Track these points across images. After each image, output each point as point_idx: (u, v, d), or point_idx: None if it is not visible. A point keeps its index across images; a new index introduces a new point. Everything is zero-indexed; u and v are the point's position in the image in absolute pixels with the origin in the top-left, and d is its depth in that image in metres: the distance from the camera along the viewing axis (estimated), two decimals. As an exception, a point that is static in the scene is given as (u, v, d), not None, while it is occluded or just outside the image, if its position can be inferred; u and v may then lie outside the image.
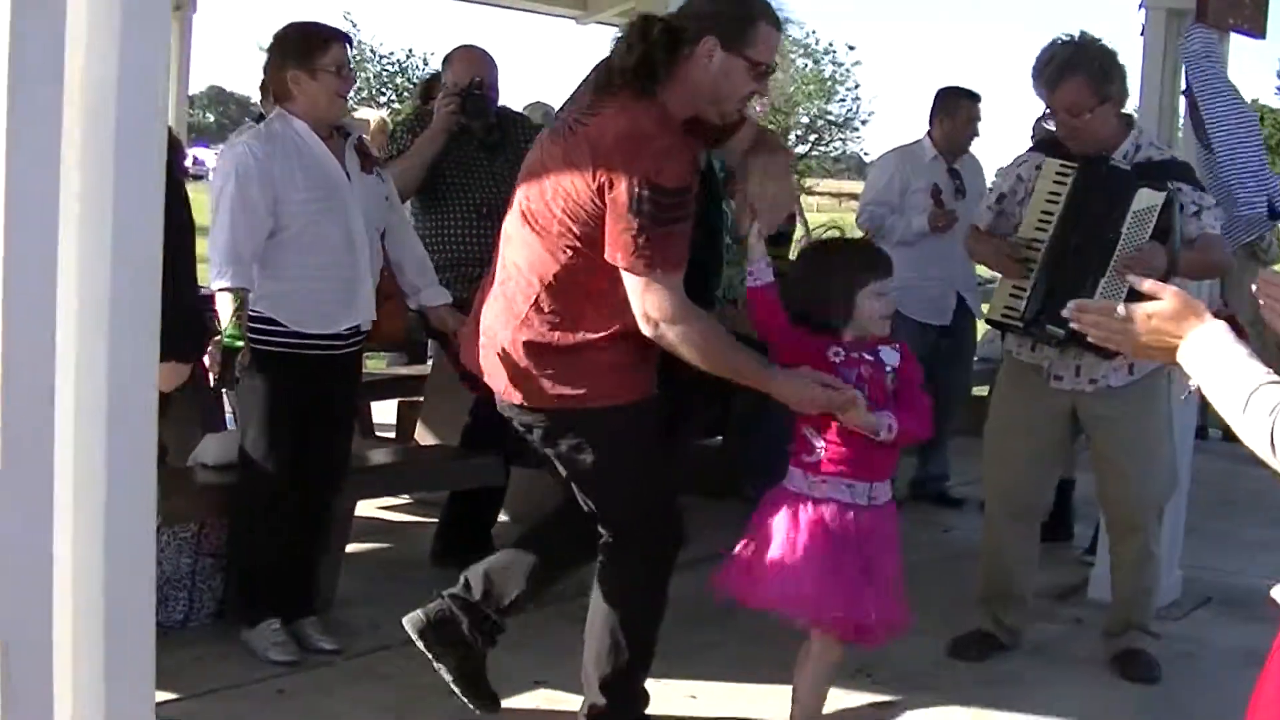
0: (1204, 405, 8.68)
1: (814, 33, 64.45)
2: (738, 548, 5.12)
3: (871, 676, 5.94)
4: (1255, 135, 7.48)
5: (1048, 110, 6.26)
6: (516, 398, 4.90)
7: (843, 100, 66.43)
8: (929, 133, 9.45)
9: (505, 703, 5.51)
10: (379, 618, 6.30)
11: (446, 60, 7.63)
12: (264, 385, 5.78)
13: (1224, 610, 7.36)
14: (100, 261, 2.80)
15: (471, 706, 5.25)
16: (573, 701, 5.38)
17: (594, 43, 66.24)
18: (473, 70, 7.38)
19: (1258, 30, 7.73)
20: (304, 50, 5.82)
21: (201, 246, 5.57)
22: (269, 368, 5.72)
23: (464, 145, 7.32)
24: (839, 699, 5.41)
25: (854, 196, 64.13)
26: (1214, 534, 8.46)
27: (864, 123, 70.99)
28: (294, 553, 6.00)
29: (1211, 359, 2.73)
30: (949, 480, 9.54)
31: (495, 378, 4.94)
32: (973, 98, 9.51)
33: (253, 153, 5.74)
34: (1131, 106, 6.74)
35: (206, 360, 5.52)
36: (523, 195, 4.91)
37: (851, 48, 76.85)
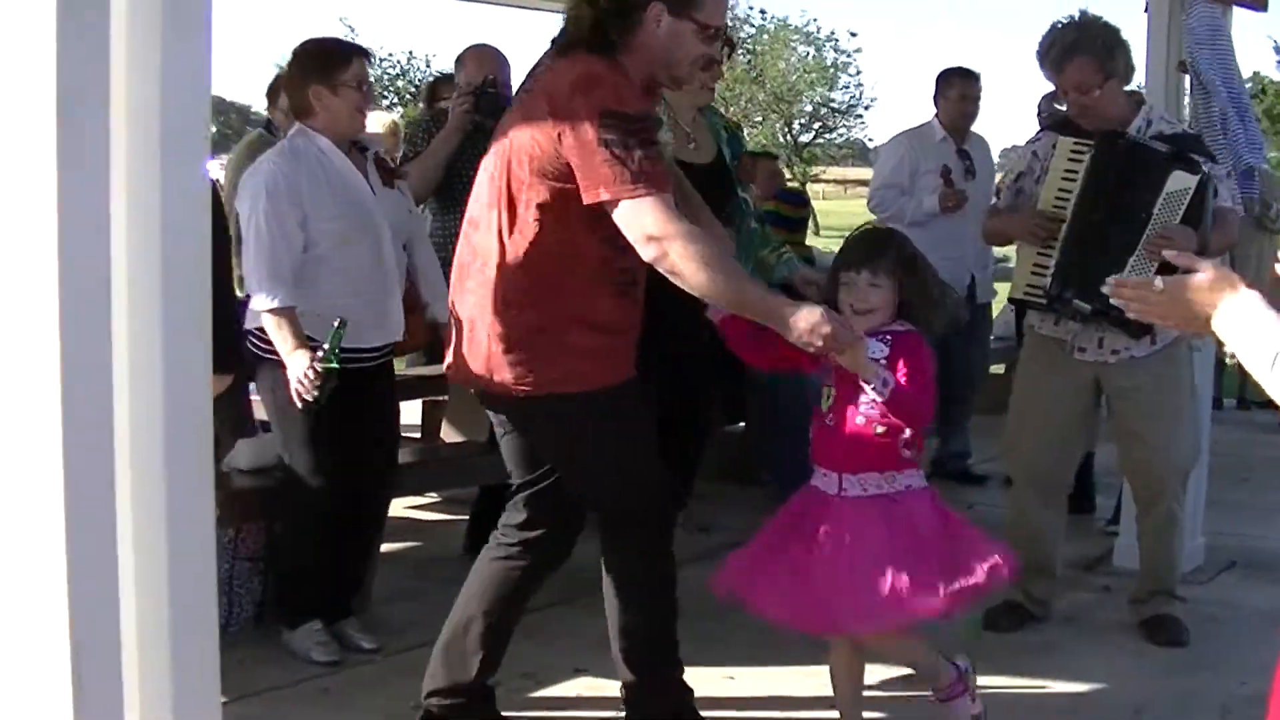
0: (1219, 375, 8.75)
1: (815, 20, 64.28)
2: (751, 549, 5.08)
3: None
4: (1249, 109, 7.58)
5: (1057, 91, 6.35)
6: (498, 388, 4.84)
7: (845, 87, 66.25)
8: (936, 115, 9.54)
9: (546, 691, 5.64)
10: (416, 615, 6.40)
11: (459, 60, 7.68)
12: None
13: (1248, 574, 7.47)
14: (151, 274, 2.90)
15: None
16: (613, 688, 5.46)
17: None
18: (485, 68, 7.44)
19: (1259, 3, 7.81)
20: (326, 66, 5.85)
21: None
22: None
23: (479, 143, 7.22)
24: (873, 673, 5.47)
25: (859, 183, 64.23)
26: (1233, 501, 8.55)
27: (867, 108, 70.92)
28: (337, 556, 6.08)
29: (1244, 324, 2.81)
30: (970, 458, 9.62)
31: (477, 368, 4.86)
32: (966, 76, 9.59)
33: (281, 170, 5.76)
34: (1137, 82, 6.83)
35: (304, 382, 5.57)
36: (488, 175, 4.86)
37: (854, 34, 76.37)
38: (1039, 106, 9.63)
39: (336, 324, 5.52)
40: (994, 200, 6.75)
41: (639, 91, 4.69)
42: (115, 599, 2.89)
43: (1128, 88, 6.35)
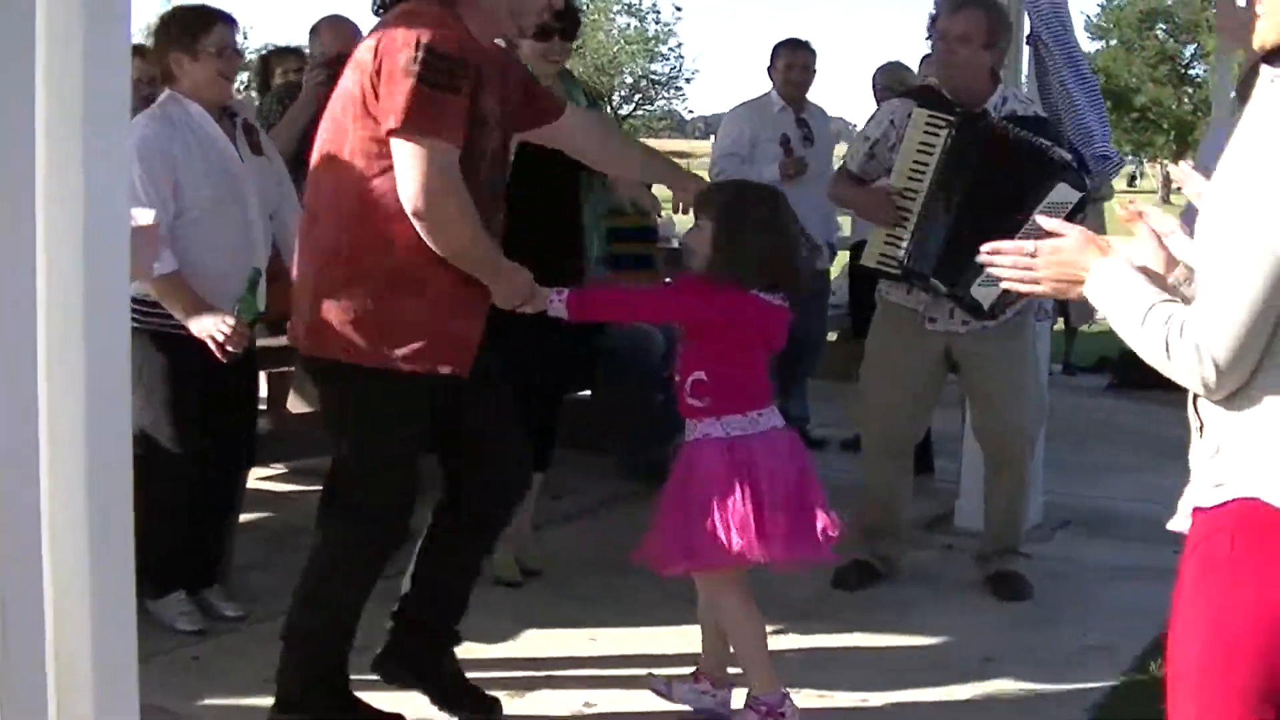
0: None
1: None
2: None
3: (761, 607, 6.17)
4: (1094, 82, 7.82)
5: (935, 36, 6.53)
6: (305, 343, 4.80)
7: (666, 59, 66.63)
8: (774, 86, 9.73)
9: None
10: (274, 584, 6.43)
11: (314, 31, 7.70)
12: (165, 365, 5.77)
13: (1083, 531, 7.77)
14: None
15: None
16: (481, 650, 5.60)
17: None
18: (340, 40, 7.42)
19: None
20: (185, 32, 5.82)
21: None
22: (169, 348, 5.73)
23: None
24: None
25: (677, 154, 64.45)
26: (1067, 462, 8.83)
27: (688, 80, 71.23)
28: (199, 526, 6.09)
29: (1114, 286, 2.92)
30: (809, 422, 9.80)
31: (298, 321, 4.83)
32: (797, 46, 9.77)
33: (153, 134, 5.72)
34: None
35: (225, 332, 5.58)
36: (324, 128, 4.78)
37: (678, 7, 76.71)
38: (873, 79, 9.85)
39: (252, 270, 5.61)
40: (843, 162, 6.89)
41: (464, 38, 4.59)
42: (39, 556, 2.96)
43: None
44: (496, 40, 5.00)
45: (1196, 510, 2.80)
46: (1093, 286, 2.98)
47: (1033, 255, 3.14)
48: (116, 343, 3.00)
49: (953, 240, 6.17)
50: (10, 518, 2.88)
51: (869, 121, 6.87)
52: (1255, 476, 2.69)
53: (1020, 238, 5.84)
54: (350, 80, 4.64)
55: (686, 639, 5.50)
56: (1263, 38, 2.81)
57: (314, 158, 4.81)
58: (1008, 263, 3.21)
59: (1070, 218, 5.99)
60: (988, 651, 5.92)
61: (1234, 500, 2.72)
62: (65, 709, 3.03)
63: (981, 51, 6.37)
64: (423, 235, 4.51)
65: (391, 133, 4.48)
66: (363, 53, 4.61)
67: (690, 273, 4.99)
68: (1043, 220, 3.27)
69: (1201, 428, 2.83)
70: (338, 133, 4.67)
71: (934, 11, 6.52)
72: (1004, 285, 3.30)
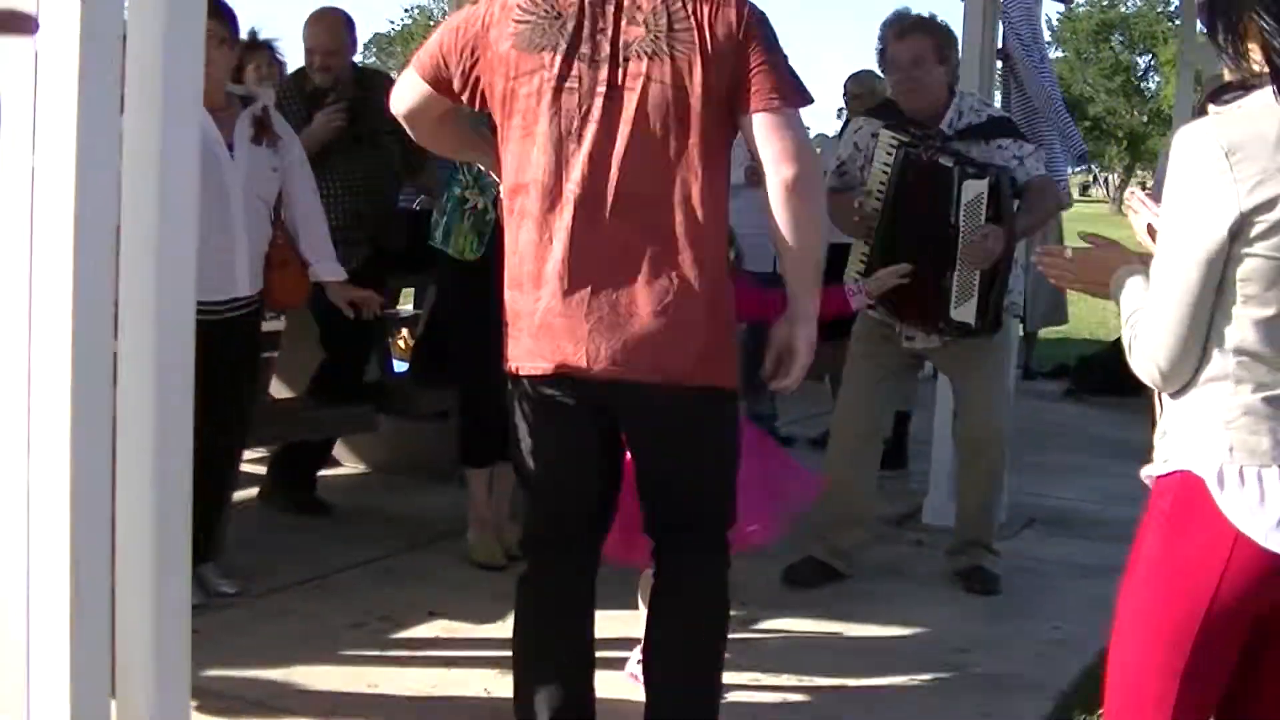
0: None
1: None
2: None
3: (736, 597, 6.29)
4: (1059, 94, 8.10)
5: (887, 63, 6.74)
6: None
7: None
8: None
9: (404, 633, 5.92)
10: (266, 562, 6.66)
11: (307, 22, 7.74)
12: None
13: (1046, 529, 8.01)
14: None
15: None
16: (466, 629, 5.80)
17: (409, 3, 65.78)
18: (332, 32, 7.59)
19: (1066, -5, 8.31)
20: None
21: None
22: None
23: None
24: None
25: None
26: (1029, 464, 9.03)
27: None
28: (195, 503, 6.21)
29: (1124, 290, 3.28)
30: (777, 419, 10.01)
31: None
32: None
33: None
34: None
35: None
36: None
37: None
38: (844, 87, 10.05)
39: None
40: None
41: None
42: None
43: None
44: None
45: (1154, 480, 3.18)
46: (1113, 289, 3.33)
47: (1070, 260, 3.53)
48: (185, 339, 3.18)
49: (914, 282, 6.24)
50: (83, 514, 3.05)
51: (840, 141, 7.10)
52: (1188, 452, 3.07)
53: (961, 249, 6.16)
54: None
55: (622, 623, 5.61)
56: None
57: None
58: (1051, 262, 3.58)
59: (994, 204, 6.31)
60: (959, 643, 6.11)
61: (1174, 472, 3.10)
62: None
63: (936, 68, 6.57)
64: None
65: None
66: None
67: None
68: (1082, 238, 3.59)
69: (1161, 413, 3.20)
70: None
71: (880, 45, 6.74)
72: (1053, 279, 3.59)
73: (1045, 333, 13.64)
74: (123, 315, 3.14)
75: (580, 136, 4.04)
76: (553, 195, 4.06)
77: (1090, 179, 73.23)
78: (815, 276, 4.19)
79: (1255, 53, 3.02)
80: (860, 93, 9.70)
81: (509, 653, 4.53)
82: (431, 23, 60.89)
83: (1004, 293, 6.54)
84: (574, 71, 4.04)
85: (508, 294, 4.21)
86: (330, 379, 7.76)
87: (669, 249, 4.03)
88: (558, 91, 4.05)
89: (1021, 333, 12.42)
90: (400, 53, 65.84)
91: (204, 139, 5.91)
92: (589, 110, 4.03)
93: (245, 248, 6.16)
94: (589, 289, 4.03)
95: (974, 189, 6.31)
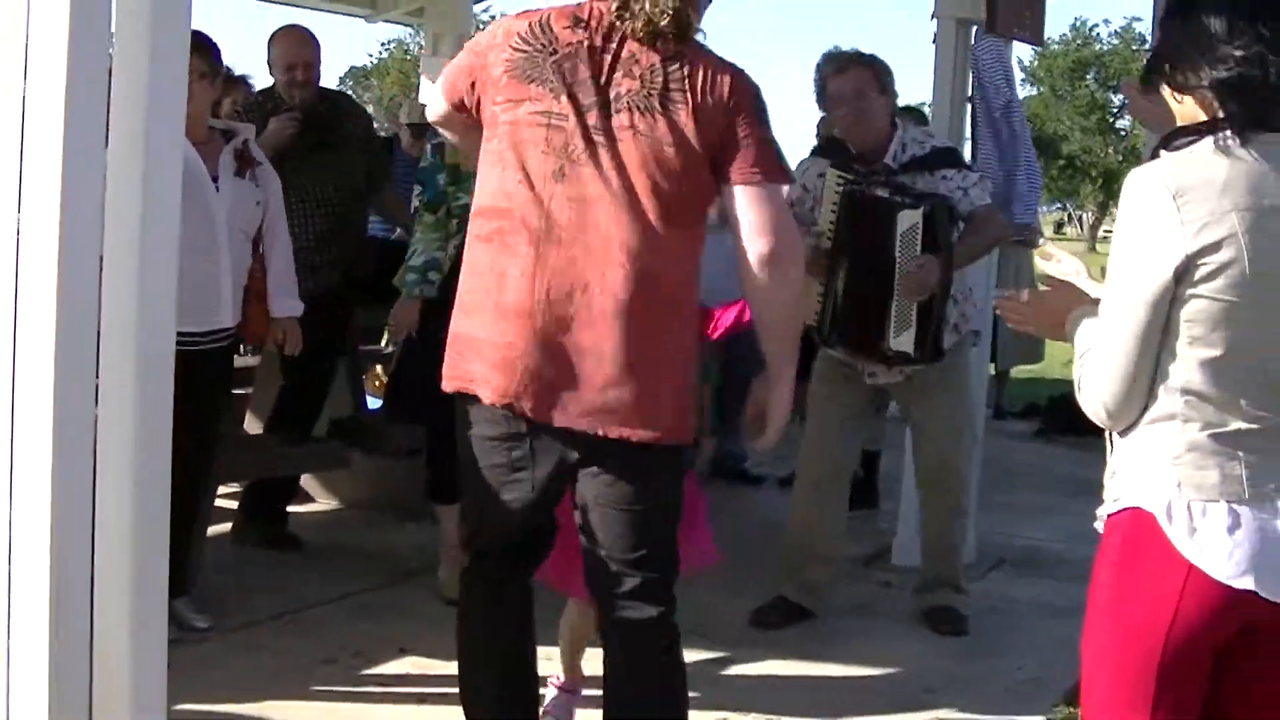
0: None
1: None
2: None
3: (706, 636, 6.38)
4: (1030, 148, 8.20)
5: (827, 100, 6.78)
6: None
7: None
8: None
9: (376, 669, 5.95)
10: (238, 596, 6.70)
11: (270, 40, 7.76)
12: None
13: (1015, 570, 8.05)
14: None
15: None
16: (438, 666, 5.82)
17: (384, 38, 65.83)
18: (299, 49, 7.64)
19: (1037, 39, 8.41)
20: None
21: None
22: None
23: (304, 141, 7.52)
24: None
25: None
26: (999, 503, 9.09)
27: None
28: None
29: (1079, 331, 3.36)
30: (747, 460, 10.04)
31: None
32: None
33: None
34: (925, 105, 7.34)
35: None
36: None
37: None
38: (817, 128, 10.11)
39: None
40: None
41: None
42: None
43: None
44: None
45: (1106, 520, 3.27)
46: (1070, 329, 3.41)
47: (1026, 304, 3.62)
48: (164, 354, 3.23)
49: (851, 309, 6.48)
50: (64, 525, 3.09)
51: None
52: (1137, 489, 3.16)
53: (898, 280, 6.21)
54: None
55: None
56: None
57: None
58: (1009, 307, 3.66)
59: (931, 233, 6.37)
60: (927, 682, 6.16)
61: (1124, 510, 3.19)
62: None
63: (878, 99, 6.61)
64: None
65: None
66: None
67: None
68: (1048, 266, 3.67)
69: (1111, 452, 3.29)
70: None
71: (818, 83, 6.78)
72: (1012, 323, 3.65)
73: (1016, 372, 13.71)
74: (104, 347, 3.18)
75: (563, 177, 4.06)
76: (529, 232, 4.07)
77: (1065, 217, 73.56)
78: (792, 347, 4.28)
79: (1203, 102, 3.13)
80: (819, 142, 9.76)
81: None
82: (407, 56, 60.86)
83: (942, 321, 6.56)
84: (562, 110, 4.07)
85: (465, 318, 4.23)
86: (289, 408, 7.81)
87: (640, 303, 4.05)
88: (544, 127, 4.08)
89: (993, 371, 12.51)
90: (376, 85, 65.78)
91: (190, 170, 5.93)
92: (575, 153, 4.06)
93: (230, 279, 6.21)
94: (556, 334, 4.06)
95: (909, 219, 6.36)
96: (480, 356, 4.17)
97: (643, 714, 4.38)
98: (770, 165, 4.12)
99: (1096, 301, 3.35)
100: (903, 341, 6.48)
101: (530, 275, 4.07)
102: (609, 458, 4.16)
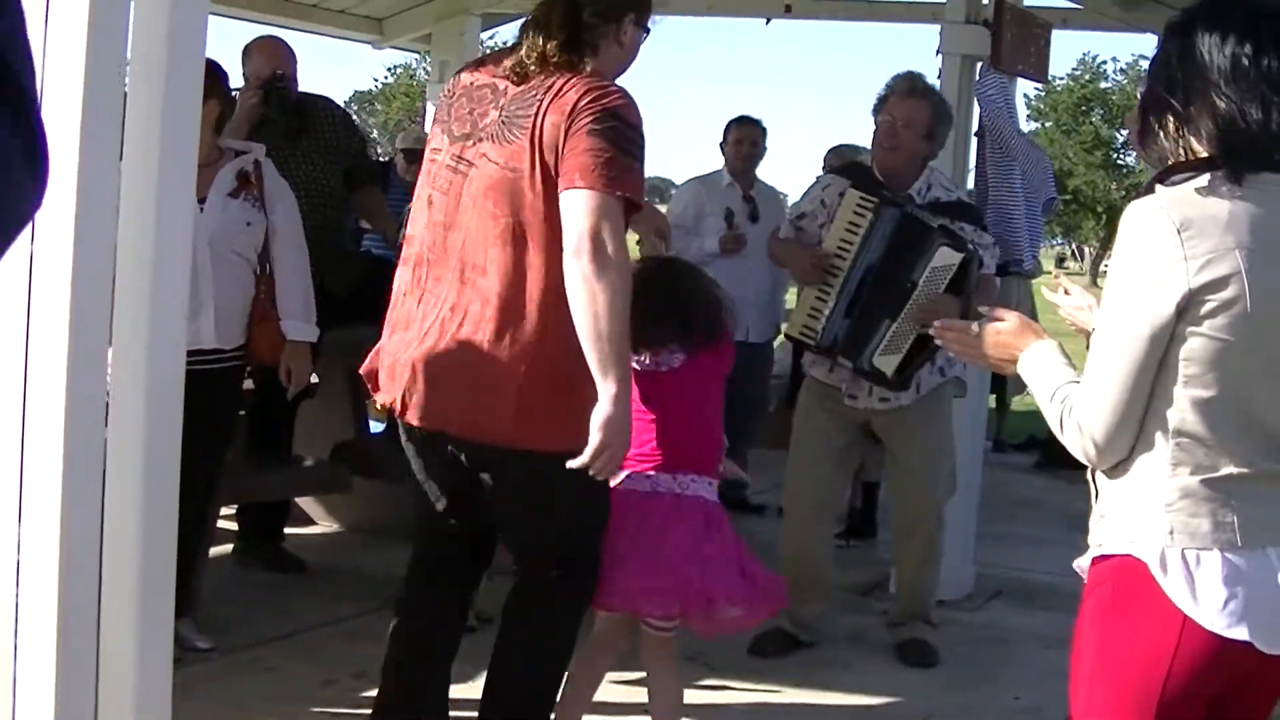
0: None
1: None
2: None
3: (708, 665, 6.43)
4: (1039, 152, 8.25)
5: (880, 110, 6.78)
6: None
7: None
8: (725, 162, 10.05)
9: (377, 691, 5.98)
10: (240, 616, 6.73)
11: (246, 51, 7.69)
12: None
13: (1013, 601, 8.08)
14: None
15: None
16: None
17: (391, 63, 65.87)
18: (272, 60, 7.54)
19: (1041, 76, 8.47)
20: None
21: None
22: None
23: (267, 136, 7.36)
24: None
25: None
26: (997, 535, 9.15)
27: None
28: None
29: (1039, 366, 3.31)
30: (748, 488, 10.06)
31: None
32: (743, 122, 10.06)
33: None
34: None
35: None
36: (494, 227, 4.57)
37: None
38: (825, 159, 10.18)
39: None
40: (777, 227, 7.23)
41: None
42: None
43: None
44: None
45: (1090, 566, 3.21)
46: (1022, 365, 3.37)
47: (977, 335, 3.51)
48: (173, 378, 3.27)
49: (860, 320, 6.49)
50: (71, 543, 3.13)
51: (803, 195, 7.13)
52: (1128, 536, 3.08)
53: (912, 305, 6.23)
54: None
55: (630, 688, 5.71)
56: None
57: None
58: (954, 338, 3.61)
59: (958, 279, 6.37)
60: (926, 710, 6.22)
61: (1113, 556, 3.12)
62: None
63: (921, 140, 6.66)
64: None
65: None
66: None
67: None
68: (984, 309, 3.61)
69: (1096, 495, 3.22)
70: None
71: (883, 92, 6.81)
72: (952, 355, 3.64)
73: (1016, 404, 13.73)
74: (114, 370, 3.23)
75: (430, 205, 4.60)
76: (414, 255, 4.63)
77: (1067, 252, 73.63)
78: (611, 354, 4.27)
79: (1202, 140, 3.08)
80: (841, 165, 9.82)
81: (475, 714, 4.85)
82: (413, 81, 60.93)
83: (929, 361, 6.62)
84: (438, 145, 4.64)
85: (385, 331, 4.73)
86: (259, 427, 7.73)
87: (493, 315, 4.39)
88: (431, 162, 4.65)
89: (994, 404, 12.54)
90: (382, 110, 65.87)
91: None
92: (440, 183, 4.59)
93: (211, 300, 6.18)
94: (427, 345, 4.50)
95: (947, 256, 6.36)
96: (387, 370, 4.67)
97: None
98: (593, 173, 4.28)
99: (1046, 337, 3.35)
100: (885, 362, 6.47)
101: (408, 293, 4.63)
102: (476, 460, 4.58)
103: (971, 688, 6.56)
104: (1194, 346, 3.00)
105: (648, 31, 4.78)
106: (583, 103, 4.32)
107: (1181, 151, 3.14)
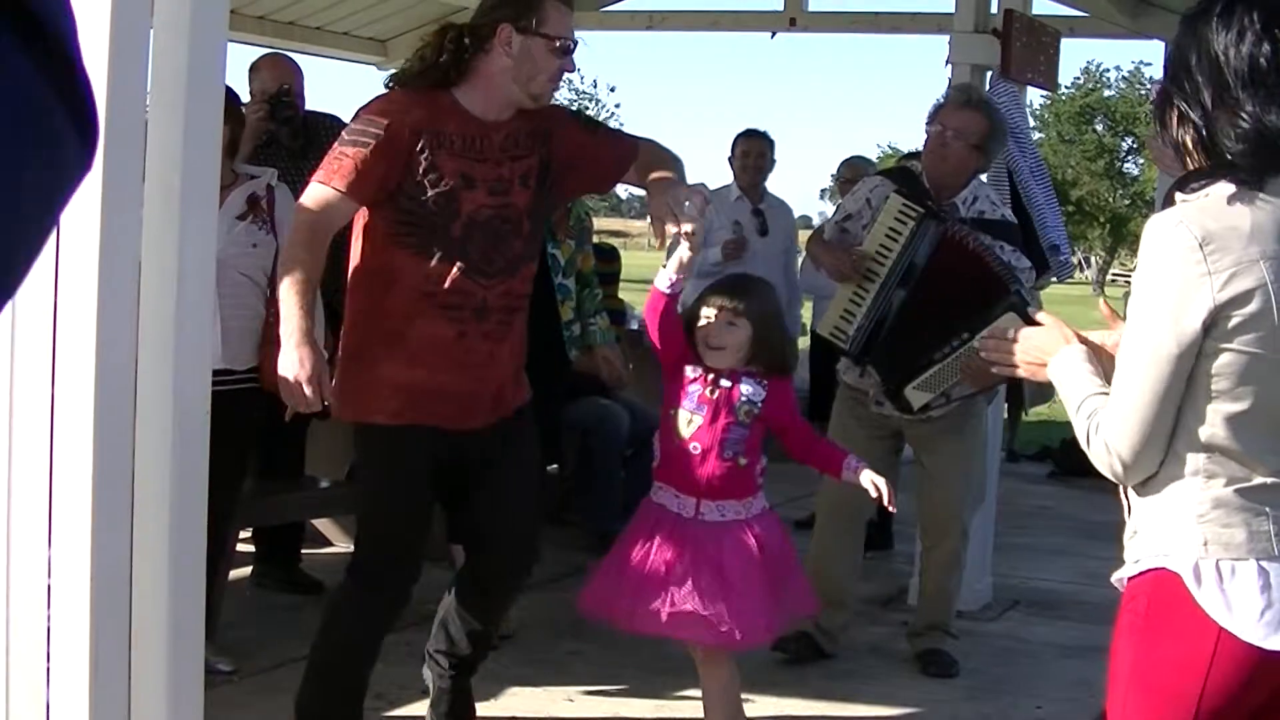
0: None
1: (580, 72, 64.89)
2: (604, 567, 5.37)
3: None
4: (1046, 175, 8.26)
5: (934, 119, 6.78)
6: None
7: (607, 139, 66.95)
8: (733, 174, 10.07)
9: (398, 711, 5.99)
10: (262, 638, 6.73)
11: (253, 68, 7.70)
12: None
13: (1031, 611, 8.07)
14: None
15: None
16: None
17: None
18: (280, 77, 7.53)
19: (1050, 84, 8.49)
20: None
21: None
22: None
23: (272, 153, 7.42)
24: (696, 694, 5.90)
25: (617, 233, 64.67)
26: (1014, 545, 9.16)
27: (627, 160, 71.07)
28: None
29: (1067, 374, 3.27)
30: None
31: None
32: (750, 135, 10.07)
33: None
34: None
35: None
36: None
37: (612, 89, 76.92)
38: (838, 172, 10.21)
39: None
40: (820, 226, 7.25)
41: (407, 105, 5.03)
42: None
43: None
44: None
45: (1126, 582, 3.15)
46: (1052, 370, 3.32)
47: (1013, 339, 3.48)
48: (199, 408, 3.28)
49: (896, 334, 6.48)
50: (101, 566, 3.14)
51: (849, 195, 7.13)
52: (1161, 549, 3.03)
53: (967, 360, 6.19)
54: None
55: (656, 703, 5.74)
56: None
57: None
58: (992, 345, 3.57)
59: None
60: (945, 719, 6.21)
61: (1148, 571, 3.07)
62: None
63: (972, 151, 6.65)
64: None
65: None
66: None
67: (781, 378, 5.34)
68: (1031, 310, 3.60)
69: (1129, 510, 3.17)
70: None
71: (941, 101, 6.81)
72: (992, 367, 3.61)
73: (1030, 414, 13.74)
74: (141, 392, 3.24)
75: None
76: None
77: (1077, 261, 73.63)
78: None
79: (1218, 140, 3.03)
80: (851, 177, 9.84)
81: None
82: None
83: (955, 400, 6.58)
84: None
85: None
86: (270, 450, 7.62)
87: None
88: None
89: (1006, 415, 12.54)
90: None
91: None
92: None
93: (218, 320, 6.01)
94: None
95: (1010, 320, 6.23)
96: None
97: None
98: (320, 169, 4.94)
99: (1081, 342, 3.30)
100: (916, 397, 6.49)
101: None
102: None
103: (993, 698, 6.55)
104: (1223, 361, 2.97)
105: (550, 39, 4.98)
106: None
107: (1192, 147, 3.10)
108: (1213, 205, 2.99)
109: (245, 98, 7.44)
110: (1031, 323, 6.19)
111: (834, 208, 7.24)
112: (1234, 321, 2.94)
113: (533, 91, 5.07)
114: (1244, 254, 2.93)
